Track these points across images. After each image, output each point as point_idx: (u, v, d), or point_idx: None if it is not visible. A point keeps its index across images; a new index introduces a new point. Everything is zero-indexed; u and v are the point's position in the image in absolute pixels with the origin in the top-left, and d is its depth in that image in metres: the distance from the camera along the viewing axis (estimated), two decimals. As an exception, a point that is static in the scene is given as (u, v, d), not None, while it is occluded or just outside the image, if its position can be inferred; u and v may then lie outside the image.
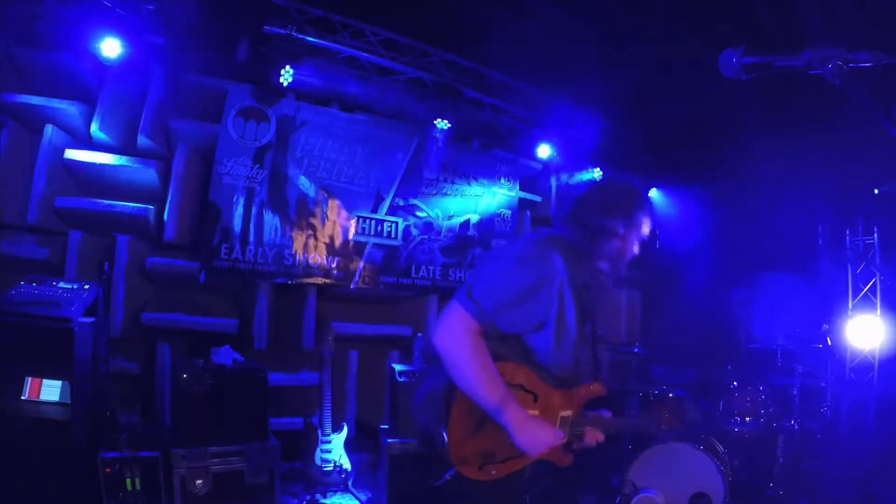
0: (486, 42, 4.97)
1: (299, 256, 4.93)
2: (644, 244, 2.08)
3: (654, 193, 7.22)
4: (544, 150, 6.09)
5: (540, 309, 1.92)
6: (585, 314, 2.05)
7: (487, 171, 5.98)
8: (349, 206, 5.17)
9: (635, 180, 1.90)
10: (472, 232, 5.85)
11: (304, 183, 4.97)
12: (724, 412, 4.52)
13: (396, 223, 5.40)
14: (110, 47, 4.02)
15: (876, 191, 5.58)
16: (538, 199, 6.58)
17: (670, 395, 4.58)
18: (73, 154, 4.18)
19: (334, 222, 5.11)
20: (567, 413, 2.04)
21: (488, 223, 5.96)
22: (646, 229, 2.06)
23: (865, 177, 5.70)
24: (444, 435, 1.87)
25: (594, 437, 2.10)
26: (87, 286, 3.48)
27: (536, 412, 1.96)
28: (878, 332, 5.36)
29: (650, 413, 2.28)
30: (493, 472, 1.94)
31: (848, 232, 5.84)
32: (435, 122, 5.37)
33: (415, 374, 4.19)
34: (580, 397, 2.09)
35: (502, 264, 1.97)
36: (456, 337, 1.85)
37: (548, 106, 5.94)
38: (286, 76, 4.55)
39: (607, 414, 2.18)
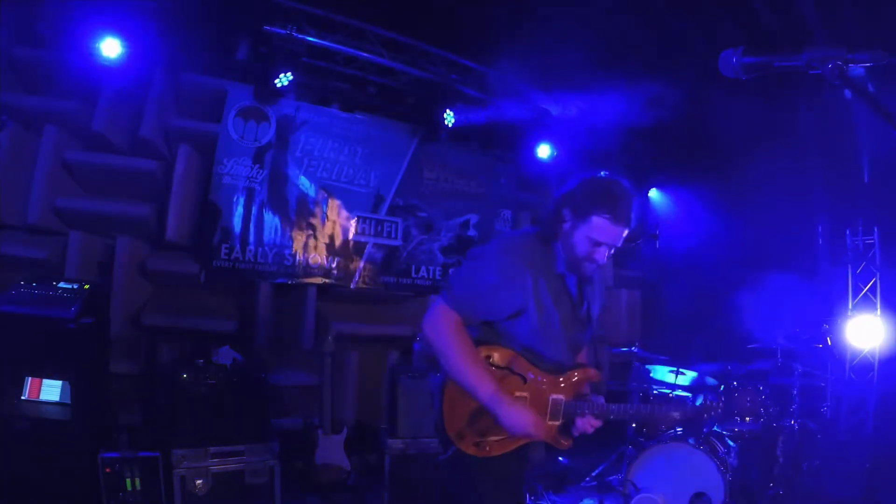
0: (486, 42, 4.98)
1: (299, 256, 4.93)
2: (617, 250, 2.10)
3: (654, 193, 7.23)
4: (544, 150, 6.09)
5: (512, 299, 2.03)
6: (570, 303, 2.16)
7: (487, 171, 5.98)
8: (349, 206, 5.17)
9: (628, 184, 2.09)
10: (471, 232, 5.85)
11: (304, 183, 4.97)
12: (725, 412, 4.52)
13: (396, 223, 5.40)
14: (110, 47, 4.02)
15: (865, 178, 5.56)
16: (538, 199, 6.59)
17: (670, 395, 4.58)
18: (73, 154, 4.18)
19: (334, 222, 5.11)
20: (558, 396, 2.12)
21: (488, 223, 5.96)
22: (599, 232, 2.02)
23: (865, 177, 5.70)
24: (441, 414, 2.07)
25: (588, 422, 2.13)
26: (86, 286, 3.48)
27: (525, 394, 2.09)
28: (878, 332, 5.35)
29: (654, 405, 2.29)
30: (488, 449, 2.07)
31: (848, 232, 5.83)
32: (444, 116, 5.34)
33: (415, 374, 4.18)
34: (573, 382, 2.16)
35: (477, 263, 2.11)
36: (439, 326, 2.01)
37: (549, 106, 5.94)
38: (284, 79, 4.54)
39: (601, 400, 2.19)
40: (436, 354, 2.05)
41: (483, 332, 2.11)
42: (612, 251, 2.09)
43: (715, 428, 4.19)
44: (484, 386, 1.97)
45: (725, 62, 1.40)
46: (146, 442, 3.48)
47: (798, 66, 1.30)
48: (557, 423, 2.12)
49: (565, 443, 2.16)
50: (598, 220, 2.01)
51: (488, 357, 2.08)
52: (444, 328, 2.01)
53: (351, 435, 4.30)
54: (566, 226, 2.07)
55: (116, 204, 4.32)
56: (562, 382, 2.15)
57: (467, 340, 2.02)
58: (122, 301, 4.24)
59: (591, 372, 2.21)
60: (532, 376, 2.10)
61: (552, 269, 2.10)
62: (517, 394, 2.07)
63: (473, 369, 1.99)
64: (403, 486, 3.97)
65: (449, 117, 5.34)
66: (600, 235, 2.02)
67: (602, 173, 2.12)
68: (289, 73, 4.54)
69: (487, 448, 2.07)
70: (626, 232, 2.06)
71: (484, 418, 2.02)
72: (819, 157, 5.59)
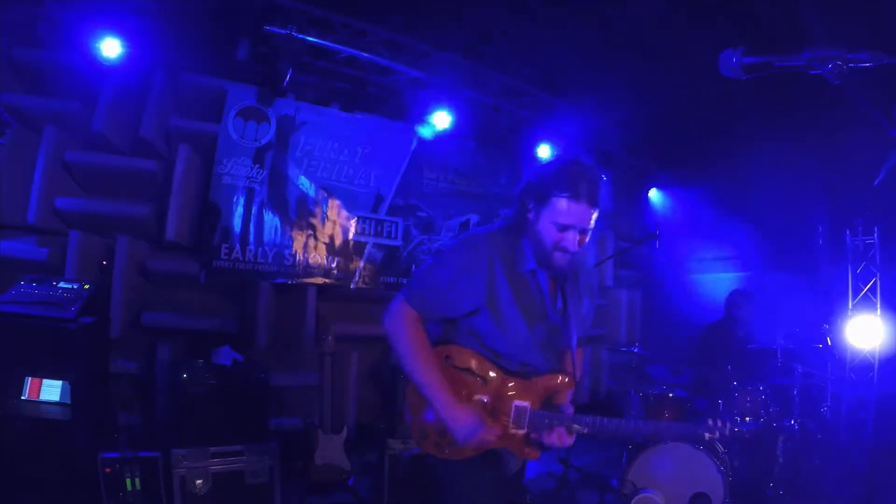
0: (486, 43, 4.98)
1: (299, 256, 4.93)
2: (581, 233, 1.90)
3: (654, 193, 7.23)
4: (544, 150, 6.09)
5: (467, 296, 1.94)
6: (539, 302, 2.00)
7: (487, 171, 5.98)
8: (349, 206, 5.17)
9: (591, 162, 1.92)
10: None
11: (304, 183, 4.97)
12: (725, 412, 4.52)
13: (396, 223, 5.40)
14: (110, 47, 4.02)
15: (875, 182, 5.57)
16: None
17: (670, 395, 4.57)
18: (73, 154, 4.18)
19: (334, 222, 5.11)
20: (523, 403, 1.94)
21: (488, 223, 5.95)
22: (561, 214, 1.86)
23: (865, 177, 5.70)
24: (406, 411, 2.03)
25: (558, 436, 1.92)
26: (86, 286, 3.47)
27: (486, 397, 1.96)
28: (878, 332, 5.35)
29: (636, 417, 2.13)
30: (447, 452, 1.97)
31: (848, 232, 5.84)
32: (433, 120, 5.36)
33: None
34: (540, 387, 1.98)
35: (437, 259, 2.03)
36: (396, 324, 1.98)
37: (548, 106, 5.94)
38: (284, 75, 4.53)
39: (570, 410, 2.01)
40: (392, 348, 2.00)
41: (445, 330, 2.03)
42: (586, 237, 1.91)
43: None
44: (434, 389, 1.89)
45: (725, 62, 1.40)
46: (146, 442, 3.48)
47: (798, 66, 1.30)
48: (522, 431, 1.94)
49: (533, 453, 1.99)
50: (558, 201, 1.86)
51: (448, 357, 1.99)
52: (400, 325, 1.97)
53: (351, 435, 4.30)
54: (531, 216, 1.95)
55: (116, 204, 4.32)
56: (528, 387, 1.97)
57: (422, 339, 1.96)
58: (122, 301, 4.24)
59: (561, 378, 1.99)
60: (494, 379, 1.96)
61: (517, 267, 1.96)
62: (476, 397, 1.95)
63: (426, 371, 1.91)
64: (403, 486, 3.97)
65: (446, 118, 5.36)
66: (564, 217, 1.86)
67: (566, 156, 1.96)
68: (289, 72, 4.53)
69: (446, 451, 1.96)
70: (592, 212, 1.88)
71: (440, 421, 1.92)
72: (819, 157, 5.59)
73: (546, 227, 1.90)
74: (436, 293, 1.96)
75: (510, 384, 1.97)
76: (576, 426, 1.93)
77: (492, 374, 1.97)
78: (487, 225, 2.16)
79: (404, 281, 5.38)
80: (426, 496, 2.10)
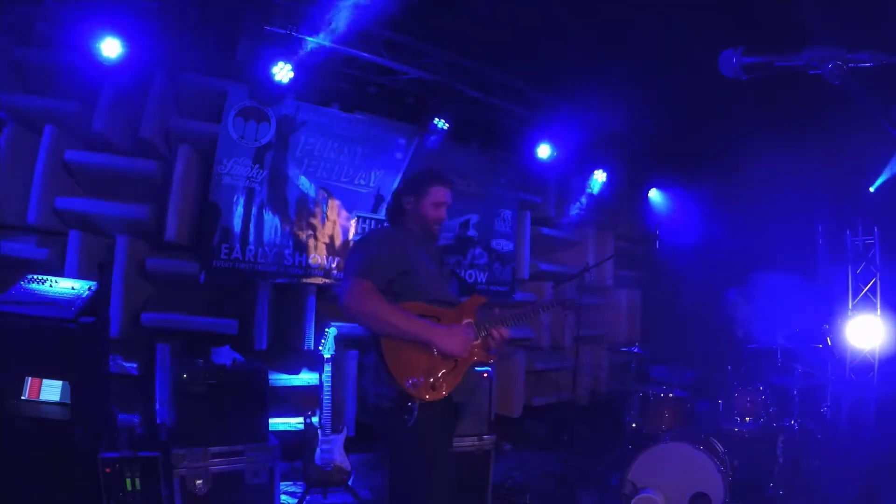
0: (486, 41, 4.97)
1: (299, 256, 4.93)
2: (447, 208, 2.78)
3: (654, 193, 7.23)
4: (544, 150, 6.09)
5: (397, 259, 2.54)
6: (436, 263, 2.75)
7: (487, 171, 5.98)
8: (349, 206, 5.17)
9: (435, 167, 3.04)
10: (471, 232, 5.85)
11: (304, 183, 4.97)
12: (724, 412, 4.52)
13: (396, 223, 5.39)
14: (110, 47, 4.02)
15: (871, 189, 5.58)
16: (538, 199, 6.59)
17: (670, 395, 4.58)
18: (73, 154, 4.18)
19: (334, 222, 5.11)
20: (468, 320, 2.62)
21: (488, 223, 5.96)
22: (438, 196, 2.73)
23: (865, 177, 5.71)
24: (388, 372, 2.40)
25: (500, 333, 2.68)
26: (87, 286, 3.48)
27: (444, 327, 2.53)
28: (878, 332, 5.36)
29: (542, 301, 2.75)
30: (444, 388, 2.45)
31: (848, 232, 5.84)
32: (434, 121, 5.38)
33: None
34: (470, 307, 2.69)
35: (361, 244, 2.85)
36: (359, 296, 2.41)
37: (548, 106, 5.94)
38: (285, 73, 4.52)
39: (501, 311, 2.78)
40: (365, 320, 2.43)
41: (392, 298, 2.49)
42: (447, 208, 2.78)
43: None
44: (412, 324, 2.42)
45: (725, 62, 1.40)
46: (146, 442, 3.48)
47: (798, 66, 1.30)
48: (477, 341, 2.61)
49: (491, 357, 2.70)
50: (434, 189, 2.72)
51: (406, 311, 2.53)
52: (363, 296, 2.40)
53: (351, 435, 4.30)
54: (410, 207, 2.73)
55: (116, 204, 4.32)
56: (463, 310, 2.66)
57: (384, 300, 2.42)
58: (122, 301, 4.24)
59: (479, 297, 2.76)
60: (442, 314, 2.57)
61: (412, 241, 2.67)
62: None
63: (399, 316, 2.41)
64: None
65: (440, 123, 5.36)
66: (440, 197, 2.73)
67: (419, 169, 2.94)
68: (290, 65, 4.52)
69: (444, 389, 2.44)
70: (451, 192, 2.79)
71: (425, 357, 2.43)
72: (819, 157, 5.59)
73: (428, 209, 2.72)
74: (376, 260, 2.51)
75: (453, 313, 2.62)
76: (504, 316, 2.73)
77: (439, 311, 2.57)
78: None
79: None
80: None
